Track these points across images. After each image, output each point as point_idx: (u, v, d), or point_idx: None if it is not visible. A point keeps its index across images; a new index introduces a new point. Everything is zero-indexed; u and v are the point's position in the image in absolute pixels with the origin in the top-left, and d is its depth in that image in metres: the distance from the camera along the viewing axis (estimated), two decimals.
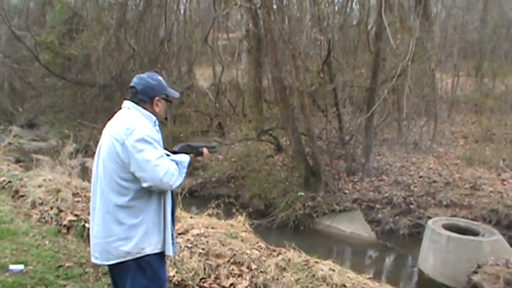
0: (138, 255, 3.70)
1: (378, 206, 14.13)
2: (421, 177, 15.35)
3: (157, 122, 3.94)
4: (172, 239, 3.91)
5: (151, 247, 3.74)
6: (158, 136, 3.82)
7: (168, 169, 3.65)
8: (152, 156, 3.63)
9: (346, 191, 14.79)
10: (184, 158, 3.89)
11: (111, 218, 3.68)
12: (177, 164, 3.78)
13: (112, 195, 3.68)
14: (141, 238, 3.69)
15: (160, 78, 4.00)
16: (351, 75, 17.79)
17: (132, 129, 3.66)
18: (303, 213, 13.88)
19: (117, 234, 3.67)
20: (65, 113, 23.47)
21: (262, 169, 15.88)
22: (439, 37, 23.11)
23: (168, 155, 3.82)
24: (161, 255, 3.85)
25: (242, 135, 19.11)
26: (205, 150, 4.24)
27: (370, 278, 6.23)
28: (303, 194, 14.26)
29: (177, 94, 4.12)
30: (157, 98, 3.91)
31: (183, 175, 3.80)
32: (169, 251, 3.84)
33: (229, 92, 23.62)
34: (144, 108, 3.88)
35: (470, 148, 17.87)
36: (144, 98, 3.87)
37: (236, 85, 23.72)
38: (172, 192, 3.92)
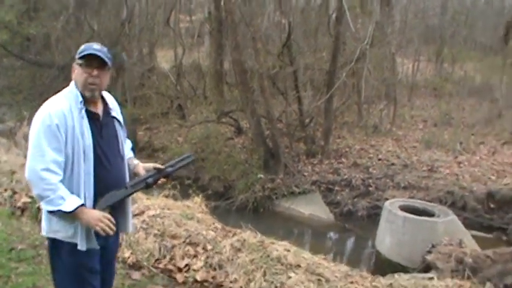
0: None
1: (336, 188, 14.23)
2: (380, 159, 15.50)
3: (81, 100, 3.24)
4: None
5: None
6: (70, 122, 3.16)
7: (38, 179, 3.08)
8: (32, 150, 3.13)
9: (306, 173, 14.86)
10: (69, 203, 3.10)
11: None
12: (61, 195, 3.09)
13: None
14: None
15: (84, 45, 3.32)
16: (311, 58, 17.81)
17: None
18: (262, 196, 13.91)
19: None
20: (24, 94, 22.98)
21: (222, 151, 15.86)
22: (400, 22, 23.31)
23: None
24: None
25: (202, 117, 19.05)
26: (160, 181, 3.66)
27: (324, 258, 6.25)
28: (262, 176, 14.27)
29: (88, 48, 3.24)
30: (73, 66, 3.31)
31: (54, 204, 3.09)
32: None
33: (190, 75, 23.48)
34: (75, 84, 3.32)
35: (429, 131, 18.10)
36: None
37: (197, 67, 23.65)
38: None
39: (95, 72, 3.23)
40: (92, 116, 3.31)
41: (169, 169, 3.67)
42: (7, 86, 24.00)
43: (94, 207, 3.23)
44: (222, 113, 17.76)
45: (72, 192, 3.17)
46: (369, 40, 13.70)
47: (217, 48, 19.55)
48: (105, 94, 3.53)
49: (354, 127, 18.26)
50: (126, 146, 3.72)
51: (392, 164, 15.08)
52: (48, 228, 3.32)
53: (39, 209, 7.00)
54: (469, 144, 16.43)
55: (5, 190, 7.84)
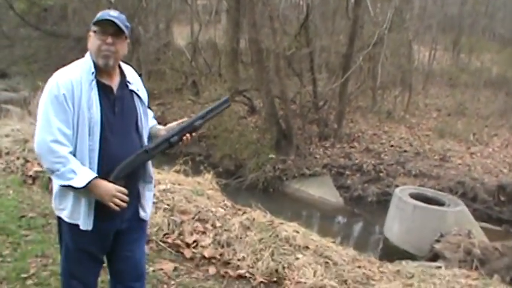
0: None
1: (347, 172, 14.23)
2: (392, 146, 15.47)
3: (93, 71, 2.98)
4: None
5: None
6: (77, 93, 2.91)
7: (47, 151, 2.88)
8: (41, 121, 2.93)
9: (317, 156, 14.85)
10: (80, 177, 2.86)
11: None
12: (72, 169, 2.86)
13: None
14: None
15: (104, 11, 3.06)
16: (328, 40, 17.73)
17: None
18: (272, 176, 13.93)
19: None
20: (39, 65, 23.03)
21: (234, 130, 15.85)
22: (419, 8, 23.13)
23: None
24: None
25: (216, 94, 18.99)
26: (184, 136, 3.19)
27: (333, 241, 6.25)
28: (273, 156, 14.28)
29: (105, 14, 2.98)
30: (88, 34, 3.03)
31: (65, 179, 2.87)
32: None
33: (206, 52, 23.41)
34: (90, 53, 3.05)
35: (443, 121, 18.03)
36: None
37: (213, 45, 23.56)
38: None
39: (110, 40, 2.95)
40: (103, 88, 3.02)
41: (198, 122, 3.22)
42: (22, 56, 24.07)
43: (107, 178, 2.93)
44: (236, 92, 17.70)
45: None
46: (388, 25, 13.60)
47: (234, 26, 19.45)
48: (124, 66, 3.23)
49: (367, 112, 18.20)
50: (148, 119, 3.37)
51: (405, 151, 15.04)
52: (55, 205, 3.12)
53: (50, 179, 7.02)
54: (482, 136, 16.38)
55: (17, 158, 7.84)
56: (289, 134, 14.74)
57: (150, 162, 3.30)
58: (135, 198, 3.23)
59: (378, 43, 14.66)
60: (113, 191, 2.94)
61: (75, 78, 2.93)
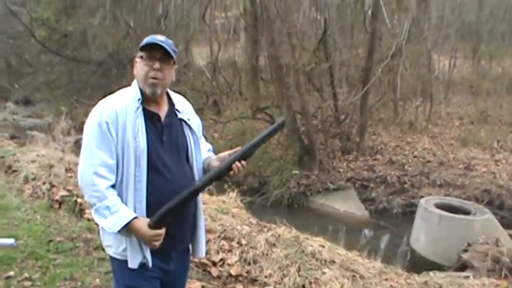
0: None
1: (372, 185, 14.17)
2: (415, 157, 15.39)
3: (139, 98, 2.85)
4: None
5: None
6: (122, 121, 2.78)
7: (88, 184, 2.76)
8: (83, 152, 2.82)
9: (341, 170, 14.81)
10: (115, 218, 2.72)
11: None
12: (107, 205, 2.73)
13: None
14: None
15: (149, 36, 2.92)
16: (347, 54, 17.75)
17: None
18: (297, 192, 13.92)
19: None
20: (61, 90, 23.33)
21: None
22: (436, 18, 23.10)
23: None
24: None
25: (238, 113, 19.08)
26: (234, 165, 2.92)
27: (359, 255, 6.26)
28: (297, 172, 14.27)
29: (151, 39, 2.85)
30: (134, 60, 2.95)
31: (100, 216, 2.76)
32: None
33: (225, 70, 23.52)
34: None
35: (465, 129, 17.93)
36: None
37: (233, 63, 23.65)
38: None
39: (157, 65, 2.81)
40: (150, 116, 2.87)
41: (251, 150, 2.99)
42: (45, 82, 24.42)
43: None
44: (258, 109, 17.77)
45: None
46: (405, 36, 13.64)
47: (252, 44, 19.58)
48: (173, 94, 3.10)
49: (389, 124, 18.15)
50: (203, 151, 3.22)
51: (428, 162, 14.96)
52: (103, 242, 2.97)
53: (76, 202, 7.11)
54: (506, 142, 16.26)
55: (43, 183, 7.94)
56: (312, 149, 14.75)
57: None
58: (186, 235, 3.11)
59: (396, 54, 14.70)
60: (148, 238, 2.77)
61: (119, 106, 2.80)
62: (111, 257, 2.97)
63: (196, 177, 3.05)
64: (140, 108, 2.83)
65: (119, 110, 2.78)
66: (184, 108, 3.12)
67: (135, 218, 2.74)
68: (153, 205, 2.79)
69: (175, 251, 3.02)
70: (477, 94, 22.44)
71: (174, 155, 2.95)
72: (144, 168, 2.78)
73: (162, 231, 2.79)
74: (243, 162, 2.96)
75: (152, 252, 2.85)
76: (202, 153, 3.21)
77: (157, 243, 2.79)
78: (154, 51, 2.82)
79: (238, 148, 3.02)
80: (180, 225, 2.96)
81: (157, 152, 2.84)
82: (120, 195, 2.78)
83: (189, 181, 2.95)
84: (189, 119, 3.09)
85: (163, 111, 2.96)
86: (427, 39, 18.47)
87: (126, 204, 2.77)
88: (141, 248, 2.83)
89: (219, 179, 2.97)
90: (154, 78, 2.82)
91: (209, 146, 3.37)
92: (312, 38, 18.89)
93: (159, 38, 2.85)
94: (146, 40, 2.85)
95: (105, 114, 2.75)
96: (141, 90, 2.87)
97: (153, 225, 2.76)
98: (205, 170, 3.15)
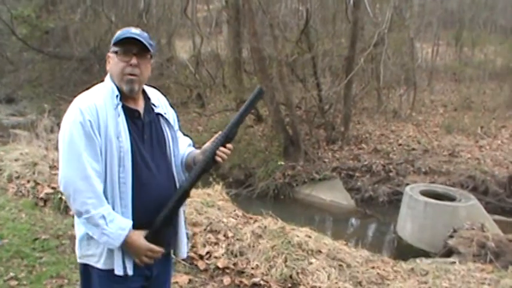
0: None
1: (357, 174, 14.23)
2: (400, 145, 15.47)
3: (117, 95, 2.65)
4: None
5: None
6: (103, 120, 2.58)
7: (76, 190, 2.54)
8: (65, 155, 2.58)
9: (326, 160, 14.86)
10: (118, 224, 2.56)
11: None
12: (103, 214, 2.53)
13: None
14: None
15: (123, 29, 2.74)
16: (329, 44, 17.75)
17: None
18: (282, 182, 13.95)
19: None
20: (44, 87, 23.17)
21: (242, 139, 15.85)
22: (418, 6, 23.17)
23: None
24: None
25: (222, 105, 19.10)
26: (218, 154, 2.76)
27: (346, 244, 6.28)
28: (282, 163, 14.30)
29: (126, 32, 2.68)
30: (107, 56, 2.76)
31: (94, 226, 2.56)
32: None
33: (209, 63, 23.49)
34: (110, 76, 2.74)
35: (449, 116, 18.03)
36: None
37: (216, 56, 23.62)
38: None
39: (134, 61, 2.64)
40: (130, 114, 2.69)
41: (233, 131, 2.80)
42: (27, 80, 24.22)
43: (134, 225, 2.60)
44: (241, 101, 17.69)
45: None
46: (387, 25, 13.65)
47: (235, 37, 19.52)
48: (147, 88, 2.90)
49: (373, 113, 18.21)
50: (181, 145, 3.01)
51: (413, 149, 15.05)
52: (80, 252, 2.74)
53: (61, 200, 7.07)
54: (490, 129, 16.38)
55: (28, 181, 7.89)
56: (297, 139, 14.76)
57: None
58: (170, 238, 2.93)
59: (379, 43, 14.72)
60: (144, 251, 2.64)
61: (99, 103, 2.59)
62: (88, 266, 2.74)
63: (175, 174, 2.89)
64: (120, 105, 2.64)
65: (99, 107, 2.58)
66: (160, 102, 2.93)
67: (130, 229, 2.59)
68: (138, 209, 2.65)
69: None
70: (460, 81, 22.57)
71: (156, 153, 2.78)
72: (129, 169, 2.61)
73: (160, 249, 2.69)
74: (228, 145, 2.79)
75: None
76: (182, 148, 3.02)
77: (150, 261, 2.67)
78: (130, 45, 2.64)
79: (219, 133, 2.83)
80: (164, 230, 2.79)
81: (140, 151, 2.68)
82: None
83: (172, 178, 2.85)
84: (165, 113, 2.91)
85: (141, 108, 2.77)
86: (409, 28, 18.54)
87: (113, 209, 2.59)
88: (122, 254, 2.65)
89: (207, 171, 2.80)
90: (131, 74, 2.65)
91: (189, 141, 3.14)
92: (294, 28, 18.88)
93: (134, 31, 2.68)
94: (120, 34, 2.67)
95: (86, 112, 2.54)
96: (117, 86, 2.68)
97: (151, 237, 2.65)
98: (189, 166, 2.96)
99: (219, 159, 2.77)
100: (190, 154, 3.00)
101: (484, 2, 25.94)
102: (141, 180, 2.65)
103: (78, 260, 2.77)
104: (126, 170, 2.59)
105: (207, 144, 2.87)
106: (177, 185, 2.86)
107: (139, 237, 2.61)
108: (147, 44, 2.66)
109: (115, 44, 2.66)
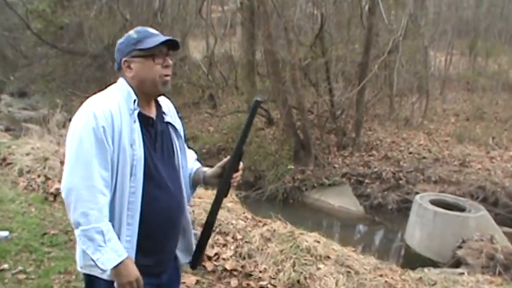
0: None
1: (367, 180, 14.18)
2: (410, 153, 15.40)
3: (135, 99, 2.55)
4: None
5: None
6: (117, 126, 2.46)
7: (79, 199, 2.38)
8: (72, 160, 2.43)
9: (336, 165, 14.81)
10: (114, 247, 2.39)
11: None
12: (102, 230, 2.37)
13: None
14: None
15: (134, 31, 2.66)
16: (343, 49, 17.73)
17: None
18: (292, 186, 13.93)
19: None
20: (57, 82, 23.23)
21: (252, 141, 15.85)
22: (433, 14, 23.12)
23: None
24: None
25: (234, 107, 19.11)
26: (234, 179, 2.78)
27: (354, 250, 6.26)
28: (292, 167, 14.28)
29: (151, 35, 2.60)
30: (124, 60, 2.59)
31: (89, 240, 2.37)
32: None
33: (222, 65, 23.52)
34: (126, 80, 2.62)
35: (461, 126, 17.95)
36: (117, 67, 2.66)
37: (229, 57, 23.65)
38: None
39: (170, 62, 2.59)
40: (145, 121, 2.59)
41: (240, 149, 2.75)
42: (40, 74, 24.29)
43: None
44: None
45: (112, 218, 2.46)
46: (402, 32, 13.61)
47: (249, 39, 19.51)
48: None
49: (385, 120, 18.16)
50: (188, 158, 2.94)
51: (424, 158, 14.97)
52: (83, 262, 2.58)
53: None
54: (501, 140, 16.28)
55: (38, 176, 7.92)
56: (308, 144, 14.75)
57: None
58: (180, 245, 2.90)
59: (393, 50, 14.68)
60: (133, 279, 2.46)
61: (114, 108, 2.47)
62: (91, 277, 2.59)
63: (183, 187, 2.80)
64: (136, 111, 2.53)
65: (114, 113, 2.46)
66: (169, 111, 2.84)
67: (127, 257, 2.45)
68: (147, 220, 2.54)
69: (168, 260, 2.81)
70: (473, 91, 22.47)
71: (166, 164, 2.68)
72: (140, 178, 2.50)
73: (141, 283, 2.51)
74: (240, 166, 2.79)
75: (143, 270, 2.53)
76: (190, 161, 2.96)
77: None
78: (162, 47, 2.57)
79: (227, 159, 2.79)
80: (173, 239, 2.78)
81: (153, 160, 2.58)
82: (111, 209, 2.47)
83: (181, 189, 2.77)
84: (174, 122, 2.82)
85: (154, 115, 2.69)
86: (424, 35, 18.48)
87: (119, 220, 2.49)
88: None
89: (226, 196, 2.80)
90: (167, 75, 2.60)
91: (194, 155, 3.07)
92: (309, 33, 18.87)
93: (153, 31, 2.64)
94: (147, 36, 2.59)
95: (100, 117, 2.41)
96: (133, 90, 2.57)
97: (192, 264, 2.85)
98: (196, 183, 2.96)
99: (236, 179, 2.79)
100: (198, 171, 2.95)
101: (499, 12, 25.88)
102: (152, 190, 2.55)
103: (80, 270, 2.65)
104: (137, 179, 2.49)
105: (217, 168, 2.84)
106: (185, 197, 2.81)
107: (131, 266, 2.46)
108: (179, 42, 2.65)
109: (148, 49, 2.55)
